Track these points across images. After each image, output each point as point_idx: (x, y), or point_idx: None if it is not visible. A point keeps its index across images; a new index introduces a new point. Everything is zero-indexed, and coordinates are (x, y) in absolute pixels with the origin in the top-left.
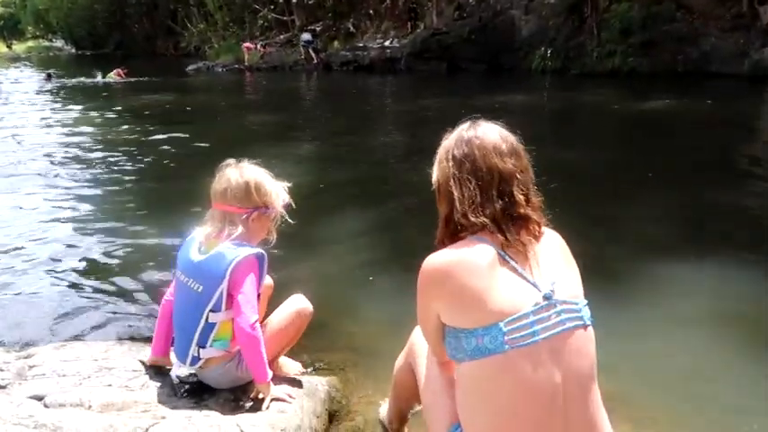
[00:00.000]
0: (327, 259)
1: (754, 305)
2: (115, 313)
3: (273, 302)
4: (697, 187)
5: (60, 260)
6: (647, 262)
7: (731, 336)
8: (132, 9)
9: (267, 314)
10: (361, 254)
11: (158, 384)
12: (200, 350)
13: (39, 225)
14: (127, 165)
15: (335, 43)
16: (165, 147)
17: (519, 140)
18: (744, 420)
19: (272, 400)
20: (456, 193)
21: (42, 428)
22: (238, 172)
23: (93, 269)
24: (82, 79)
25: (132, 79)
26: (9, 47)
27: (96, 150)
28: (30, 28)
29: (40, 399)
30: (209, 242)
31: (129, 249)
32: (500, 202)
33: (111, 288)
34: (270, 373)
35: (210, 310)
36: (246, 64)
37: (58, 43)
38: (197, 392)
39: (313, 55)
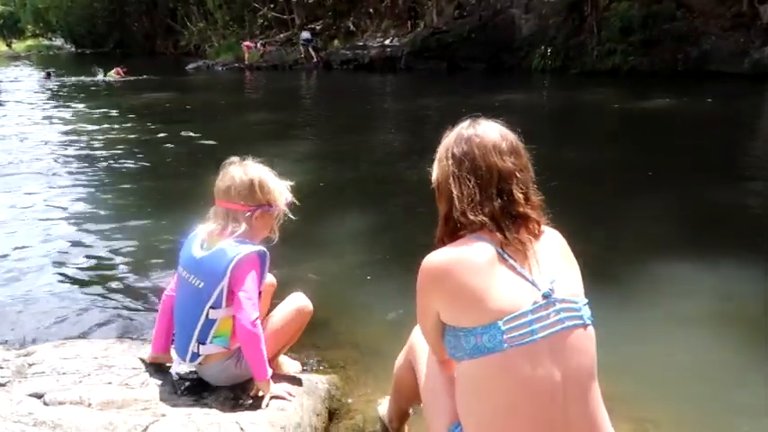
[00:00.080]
0: (327, 258)
1: (754, 305)
2: (115, 311)
3: (273, 301)
4: (697, 187)
5: (60, 258)
6: (647, 262)
7: (731, 336)
8: (132, 7)
9: (268, 312)
10: (361, 253)
11: (158, 382)
12: (200, 346)
13: (38, 223)
14: (127, 163)
15: (335, 42)
16: (166, 145)
17: (519, 139)
18: (744, 420)
19: (272, 397)
20: (455, 192)
21: (42, 426)
22: (242, 169)
23: (93, 267)
24: (82, 78)
25: (132, 78)
26: (9, 45)
27: (96, 149)
28: (29, 26)
29: (39, 396)
30: (211, 239)
31: (129, 247)
32: (499, 200)
33: (112, 286)
34: (270, 371)
35: (211, 307)
36: (246, 63)
37: (58, 42)
38: (197, 390)
39: (313, 53)
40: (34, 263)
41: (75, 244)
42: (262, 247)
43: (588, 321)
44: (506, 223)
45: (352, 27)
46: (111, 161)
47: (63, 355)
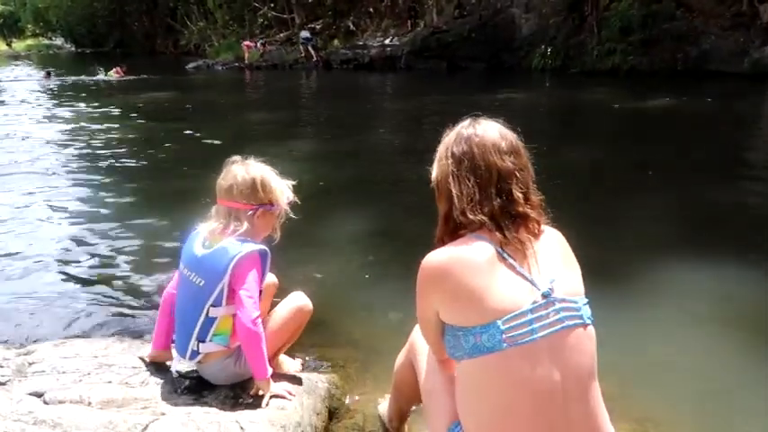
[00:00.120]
0: (327, 257)
1: (755, 305)
2: (115, 310)
3: (273, 299)
4: (697, 187)
5: (60, 257)
6: (647, 262)
7: (731, 336)
8: (132, 7)
9: (268, 312)
10: (361, 252)
11: (158, 381)
12: (200, 344)
13: (39, 223)
14: (127, 162)
15: (335, 41)
16: (166, 144)
17: (519, 138)
18: (744, 420)
19: (272, 396)
20: (455, 191)
21: (42, 425)
22: (244, 168)
23: (93, 266)
24: (82, 77)
25: (132, 77)
26: (9, 45)
27: (96, 148)
28: (29, 26)
29: (39, 395)
30: (213, 237)
31: (129, 246)
32: (498, 199)
33: (112, 285)
34: (270, 370)
35: (211, 305)
36: (246, 62)
37: (58, 41)
38: (197, 389)
39: (312, 53)
40: (34, 262)
41: (76, 243)
42: (263, 246)
43: (588, 321)
44: (506, 222)
45: (352, 26)
46: (112, 160)
47: (63, 354)
